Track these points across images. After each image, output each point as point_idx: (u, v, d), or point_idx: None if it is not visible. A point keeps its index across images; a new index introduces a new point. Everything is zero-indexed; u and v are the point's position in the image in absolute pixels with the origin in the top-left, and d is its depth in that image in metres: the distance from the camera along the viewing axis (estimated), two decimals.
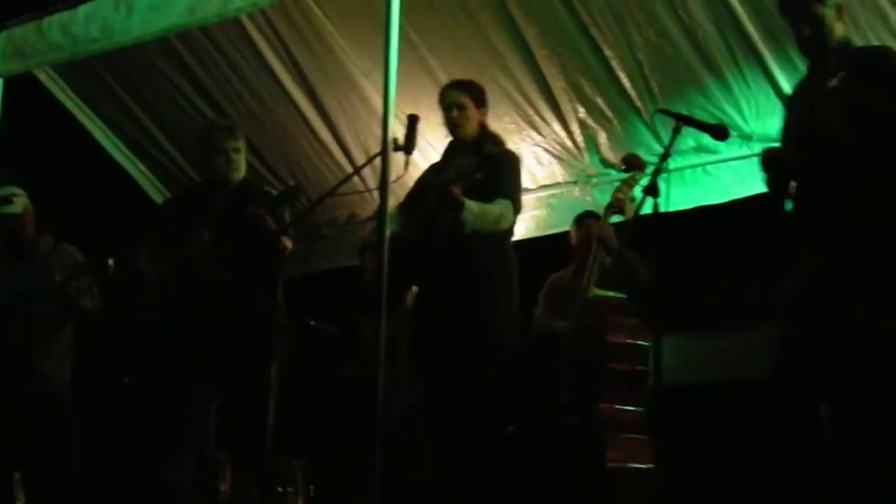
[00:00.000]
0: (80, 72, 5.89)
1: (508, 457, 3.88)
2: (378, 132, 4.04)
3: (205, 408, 3.97)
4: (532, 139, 5.50)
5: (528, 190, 5.43)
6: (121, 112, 6.19)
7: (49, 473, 4.59)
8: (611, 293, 4.20)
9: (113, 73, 5.94)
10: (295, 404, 5.08)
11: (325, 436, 5.60)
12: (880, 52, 3.29)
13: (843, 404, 2.95)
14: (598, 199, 5.34)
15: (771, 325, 3.26)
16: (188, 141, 5.51)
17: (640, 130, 5.18)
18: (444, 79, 4.73)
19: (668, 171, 3.48)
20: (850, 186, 2.98)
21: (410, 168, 3.71)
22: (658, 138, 5.09)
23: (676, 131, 3.57)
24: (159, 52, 5.69)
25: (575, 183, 5.59)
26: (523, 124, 5.44)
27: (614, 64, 5.00)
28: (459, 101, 4.02)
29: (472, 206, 3.77)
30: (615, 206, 4.37)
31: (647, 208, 3.47)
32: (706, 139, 4.76)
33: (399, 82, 3.58)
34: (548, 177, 5.67)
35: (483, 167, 3.75)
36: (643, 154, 4.73)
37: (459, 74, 4.51)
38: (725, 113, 4.90)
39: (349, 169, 5.81)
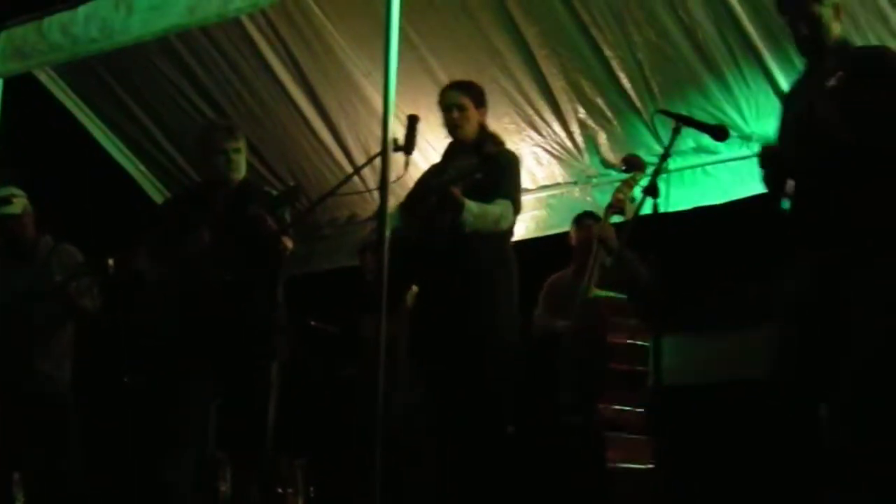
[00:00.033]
0: (80, 72, 5.89)
1: (508, 457, 3.88)
2: (378, 132, 4.04)
3: (205, 408, 3.97)
4: (532, 139, 5.50)
5: (527, 190, 5.43)
6: (121, 112, 6.19)
7: (49, 473, 4.59)
8: (611, 293, 4.20)
9: (113, 73, 5.94)
10: (295, 404, 5.08)
11: (325, 436, 5.60)
12: (879, 52, 3.30)
13: (843, 404, 2.95)
14: (598, 199, 5.34)
15: (770, 325, 3.26)
16: (188, 141, 5.51)
17: (640, 131, 5.18)
18: (444, 79, 4.74)
19: (667, 171, 3.48)
20: (848, 186, 2.99)
21: (410, 168, 3.71)
22: (658, 139, 5.07)
23: (676, 132, 3.56)
24: (159, 52, 5.69)
25: (575, 183, 5.59)
26: (523, 125, 5.44)
27: (614, 64, 5.00)
28: (459, 101, 4.02)
29: (472, 206, 3.77)
30: (615, 207, 4.37)
31: (646, 209, 3.47)
32: (706, 140, 4.75)
33: (399, 82, 3.59)
34: (548, 177, 5.67)
35: (483, 167, 3.75)
36: (643, 154, 4.73)
37: (459, 74, 4.52)
38: (725, 113, 4.90)
39: (349, 169, 5.81)
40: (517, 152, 4.35)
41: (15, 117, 4.69)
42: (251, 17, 5.38)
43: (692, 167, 5.12)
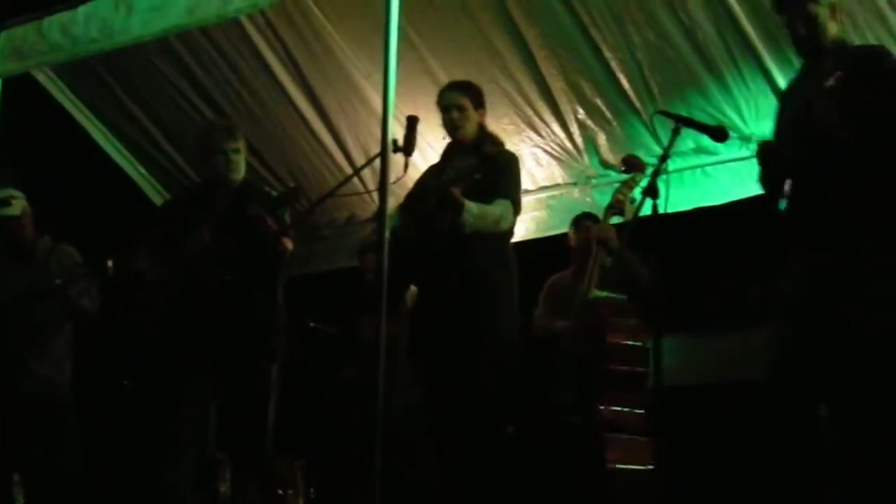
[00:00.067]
0: (79, 72, 5.89)
1: (508, 457, 3.88)
2: (377, 133, 4.03)
3: (205, 408, 3.97)
4: (531, 140, 5.50)
5: (527, 191, 5.42)
6: (120, 113, 6.19)
7: (49, 474, 4.59)
8: (611, 294, 4.20)
9: (112, 73, 5.94)
10: (295, 405, 5.08)
11: (324, 437, 5.60)
12: (877, 52, 3.30)
13: (841, 405, 2.96)
14: (598, 200, 5.34)
15: (770, 326, 3.26)
16: (188, 141, 5.51)
17: (639, 132, 5.18)
18: (444, 79, 4.73)
19: (667, 172, 3.48)
20: (846, 186, 2.99)
21: (410, 169, 3.71)
22: (657, 140, 5.06)
23: (676, 133, 3.57)
24: (159, 53, 5.69)
25: (574, 184, 5.59)
26: (523, 125, 5.44)
27: (614, 65, 5.00)
28: (458, 102, 4.02)
29: (471, 206, 3.77)
30: (615, 208, 4.37)
31: (646, 209, 3.46)
32: (706, 140, 4.75)
33: (399, 83, 3.58)
34: (547, 178, 5.67)
35: (482, 168, 3.75)
36: (642, 155, 4.72)
37: (459, 75, 4.52)
38: (725, 114, 4.90)
39: (349, 170, 5.82)
40: (517, 153, 4.34)
41: (14, 118, 4.69)
42: (250, 17, 5.38)
43: (692, 168, 5.12)
